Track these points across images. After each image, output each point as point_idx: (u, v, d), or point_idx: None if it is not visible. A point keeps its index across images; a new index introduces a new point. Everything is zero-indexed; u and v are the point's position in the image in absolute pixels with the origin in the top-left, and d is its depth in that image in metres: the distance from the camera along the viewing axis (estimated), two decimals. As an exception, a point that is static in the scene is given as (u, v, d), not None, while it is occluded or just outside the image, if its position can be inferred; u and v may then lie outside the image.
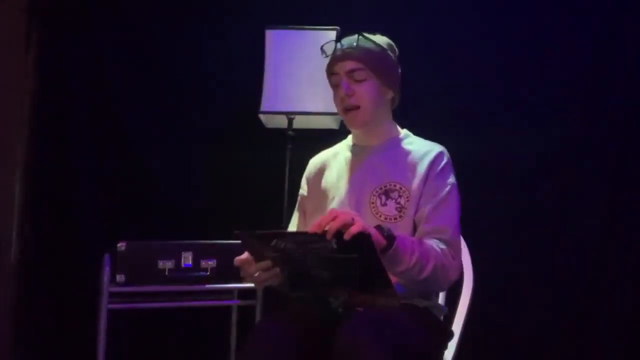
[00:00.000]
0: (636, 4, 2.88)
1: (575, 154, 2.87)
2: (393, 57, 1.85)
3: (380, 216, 1.75)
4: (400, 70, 1.88)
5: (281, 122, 2.66)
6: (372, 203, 1.77)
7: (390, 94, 1.85)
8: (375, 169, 1.81)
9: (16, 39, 2.80)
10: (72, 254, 2.72)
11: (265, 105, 2.60)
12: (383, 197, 1.77)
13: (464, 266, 2.01)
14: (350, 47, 1.80)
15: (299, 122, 2.65)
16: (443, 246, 1.68)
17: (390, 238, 1.55)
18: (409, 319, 1.60)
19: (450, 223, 1.74)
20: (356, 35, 1.81)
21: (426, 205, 1.74)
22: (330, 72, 1.84)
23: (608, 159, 2.85)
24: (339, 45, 1.82)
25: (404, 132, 1.90)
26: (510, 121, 2.88)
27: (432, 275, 1.62)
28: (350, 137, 1.93)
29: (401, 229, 1.72)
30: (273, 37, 2.62)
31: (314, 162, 1.96)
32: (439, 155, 1.80)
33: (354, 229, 1.42)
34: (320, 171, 1.91)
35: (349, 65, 1.79)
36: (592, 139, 2.87)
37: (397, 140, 1.85)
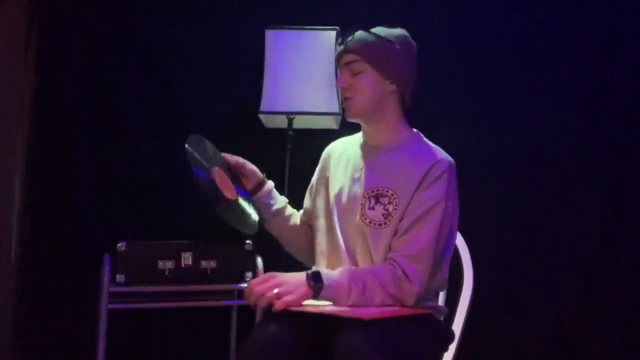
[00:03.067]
0: (637, 4, 2.88)
1: (576, 154, 2.88)
2: (399, 48, 1.82)
3: (366, 219, 1.76)
4: (410, 63, 1.86)
5: (281, 122, 2.66)
6: (362, 205, 1.77)
7: (392, 87, 1.82)
8: (373, 172, 1.81)
9: (16, 39, 2.80)
10: (72, 254, 2.72)
11: (265, 105, 2.60)
12: (372, 201, 1.77)
13: (464, 266, 2.01)
14: (348, 40, 1.81)
15: (299, 122, 2.65)
16: (399, 271, 1.66)
17: (317, 289, 1.62)
18: (408, 322, 1.59)
19: (422, 239, 1.69)
20: (352, 29, 1.83)
21: (408, 216, 1.72)
22: (337, 65, 1.91)
23: (609, 159, 2.86)
24: (339, 39, 1.86)
25: (413, 134, 1.87)
26: (510, 122, 2.89)
27: (383, 302, 1.65)
28: (362, 132, 1.94)
29: (385, 236, 1.73)
30: (273, 37, 2.62)
31: (328, 149, 2.02)
32: (436, 165, 1.74)
33: (278, 305, 1.57)
34: (329, 158, 1.97)
35: (347, 57, 1.82)
36: (593, 139, 2.88)
37: (403, 143, 1.83)
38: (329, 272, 1.66)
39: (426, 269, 1.67)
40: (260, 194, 2.02)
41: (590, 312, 2.82)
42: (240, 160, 2.04)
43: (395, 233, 1.73)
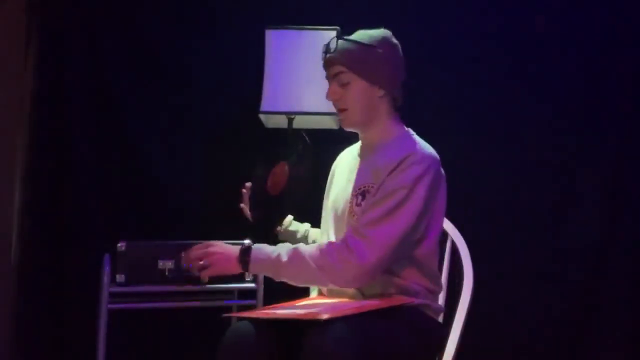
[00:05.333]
0: (636, 7, 2.88)
1: (575, 155, 2.88)
2: (382, 52, 1.80)
3: (354, 216, 1.78)
4: (395, 64, 1.85)
5: (281, 122, 2.66)
6: (351, 203, 1.80)
7: (380, 92, 1.81)
8: (361, 171, 1.84)
9: (16, 39, 2.80)
10: (72, 254, 2.72)
11: (265, 105, 2.60)
12: (359, 198, 1.78)
13: (464, 266, 2.01)
14: (329, 52, 1.81)
15: (299, 122, 2.65)
16: (340, 244, 1.67)
17: (244, 263, 1.70)
18: (383, 318, 1.58)
19: (371, 217, 1.68)
20: (335, 38, 1.82)
21: (368, 200, 1.74)
22: (326, 76, 1.88)
23: (608, 160, 2.86)
24: (324, 48, 1.84)
25: (405, 132, 1.87)
26: (511, 123, 2.89)
27: (315, 276, 1.68)
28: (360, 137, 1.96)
29: None
30: (273, 37, 2.62)
31: (335, 162, 2.04)
32: (410, 156, 1.72)
33: (202, 275, 1.72)
34: (334, 172, 2.01)
35: (334, 69, 1.82)
36: (592, 141, 2.88)
37: (391, 141, 1.83)
38: (263, 247, 1.71)
39: (374, 247, 1.64)
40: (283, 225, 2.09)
41: (593, 310, 2.82)
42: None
43: None
